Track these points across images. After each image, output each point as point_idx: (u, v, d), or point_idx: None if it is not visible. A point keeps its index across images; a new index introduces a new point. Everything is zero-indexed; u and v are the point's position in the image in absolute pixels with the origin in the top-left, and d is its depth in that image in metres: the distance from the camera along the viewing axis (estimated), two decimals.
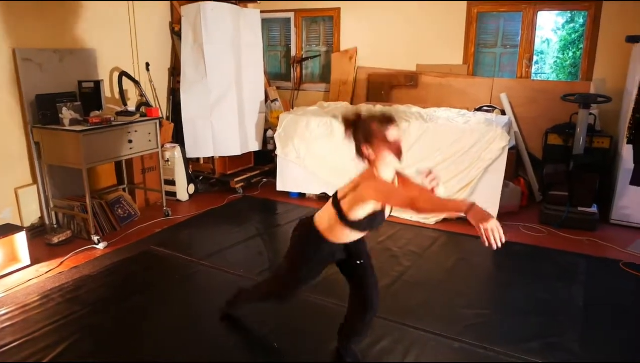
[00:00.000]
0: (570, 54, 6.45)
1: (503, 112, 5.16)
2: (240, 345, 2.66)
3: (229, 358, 2.53)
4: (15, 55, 3.85)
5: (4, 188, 3.93)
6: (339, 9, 6.12)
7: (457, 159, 4.31)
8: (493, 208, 4.25)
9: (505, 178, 4.29)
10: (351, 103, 5.80)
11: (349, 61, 6.07)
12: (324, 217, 2.17)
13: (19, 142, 3.99)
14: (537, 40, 5.54)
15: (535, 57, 5.63)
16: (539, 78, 5.87)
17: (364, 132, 2.01)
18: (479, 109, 5.27)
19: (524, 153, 5.11)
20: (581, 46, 5.21)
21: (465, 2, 5.43)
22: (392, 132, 2.00)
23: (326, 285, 3.25)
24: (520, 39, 5.33)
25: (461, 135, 4.29)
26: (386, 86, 5.83)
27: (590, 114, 4.54)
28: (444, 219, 4.41)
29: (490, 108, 5.26)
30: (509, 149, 4.28)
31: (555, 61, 6.67)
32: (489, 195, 4.26)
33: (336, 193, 2.14)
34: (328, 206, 2.16)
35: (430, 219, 4.41)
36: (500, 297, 3.19)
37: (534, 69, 5.67)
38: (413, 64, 5.78)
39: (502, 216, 4.37)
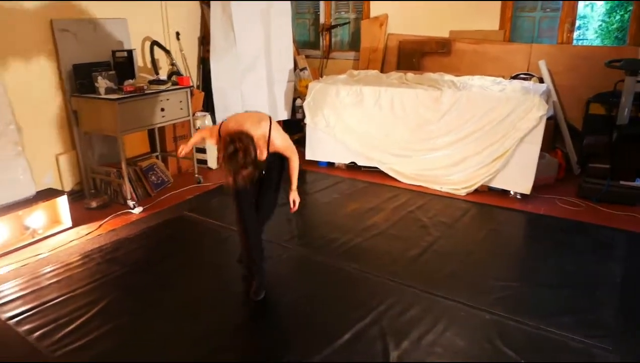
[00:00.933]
0: (618, 17, 6.11)
1: (541, 80, 4.98)
2: (270, 309, 2.71)
3: (257, 320, 2.60)
4: (53, 26, 3.92)
5: (46, 155, 4.09)
6: None
7: (491, 129, 4.21)
8: (528, 180, 4.14)
9: (542, 149, 4.14)
10: (381, 71, 5.70)
11: (379, 28, 5.94)
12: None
13: (58, 111, 4.12)
14: (581, 4, 5.28)
15: (578, 22, 5.36)
16: (581, 44, 5.62)
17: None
18: (516, 77, 5.10)
19: (562, 123, 4.93)
20: (630, 8, 4.93)
21: None
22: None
23: (351, 253, 3.29)
24: (562, 2, 5.09)
25: (496, 104, 4.17)
26: (418, 54, 5.69)
27: (638, 81, 4.32)
28: (476, 191, 4.35)
29: (528, 76, 5.08)
30: (547, 119, 4.13)
31: (600, 26, 6.34)
32: (524, 166, 4.15)
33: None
34: None
35: (461, 191, 4.35)
36: (533, 270, 3.12)
37: (576, 34, 5.41)
38: (446, 30, 5.61)
39: (537, 189, 4.25)
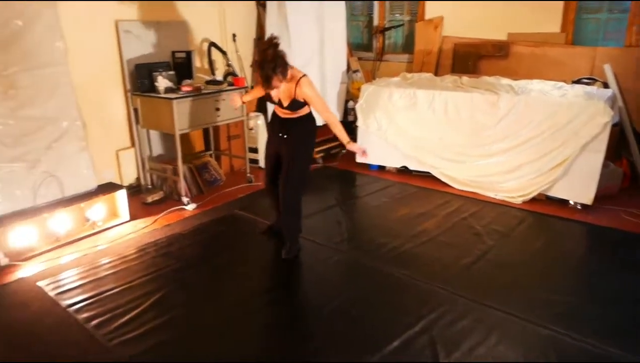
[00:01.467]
0: None
1: (606, 85, 4.74)
2: (318, 311, 2.71)
3: (306, 321, 2.62)
4: (118, 27, 4.10)
5: (108, 150, 4.27)
6: None
7: (550, 135, 4.04)
8: (590, 190, 3.94)
9: (606, 157, 3.94)
10: (435, 74, 5.60)
11: (434, 30, 5.83)
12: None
13: (120, 108, 4.29)
14: None
15: None
16: None
17: None
18: (578, 81, 4.88)
19: (629, 130, 4.67)
20: None
21: None
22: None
23: (401, 258, 3.25)
24: (630, 2, 4.82)
25: (557, 109, 4.00)
26: (473, 57, 5.56)
27: None
28: (533, 199, 4.19)
29: (591, 80, 4.84)
30: (612, 125, 3.93)
31: None
32: (586, 175, 3.94)
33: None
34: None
35: (517, 199, 4.21)
36: (593, 285, 2.97)
37: None
38: (504, 33, 5.44)
39: (600, 199, 4.03)
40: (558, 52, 5.12)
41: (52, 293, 2.85)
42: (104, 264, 3.20)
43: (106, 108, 4.18)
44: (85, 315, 2.64)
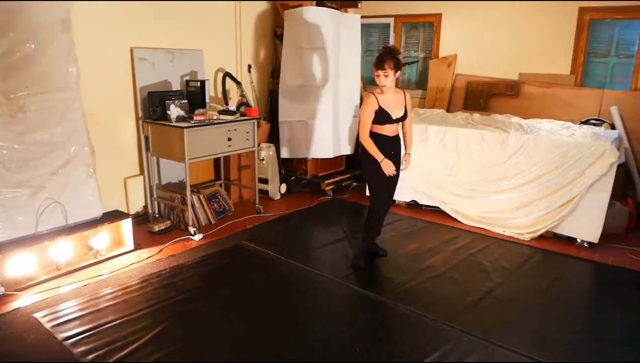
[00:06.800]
0: None
1: (613, 127, 4.77)
2: (322, 346, 2.66)
3: (310, 355, 2.55)
4: (133, 54, 4.18)
5: (116, 178, 4.27)
6: (440, 14, 6.00)
7: (559, 174, 4.05)
8: (596, 228, 3.95)
9: (612, 197, 3.95)
10: (447, 111, 5.66)
11: (447, 67, 5.93)
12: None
13: (131, 135, 4.32)
14: None
15: None
16: None
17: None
18: (586, 122, 4.91)
19: (634, 171, 4.67)
20: None
21: (577, 8, 5.09)
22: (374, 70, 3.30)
23: (407, 294, 3.21)
24: (637, 48, 4.90)
25: (565, 149, 4.02)
26: (485, 95, 5.62)
27: None
28: (540, 236, 4.16)
29: (599, 122, 4.88)
30: (618, 166, 3.95)
31: None
32: (592, 214, 3.96)
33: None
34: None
35: (525, 235, 4.18)
36: (598, 324, 2.93)
37: None
38: (516, 73, 5.52)
39: (606, 238, 4.04)
40: (567, 93, 5.17)
41: (48, 325, 2.74)
42: (105, 294, 3.14)
43: (116, 135, 4.21)
44: (81, 348, 2.54)
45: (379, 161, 3.32)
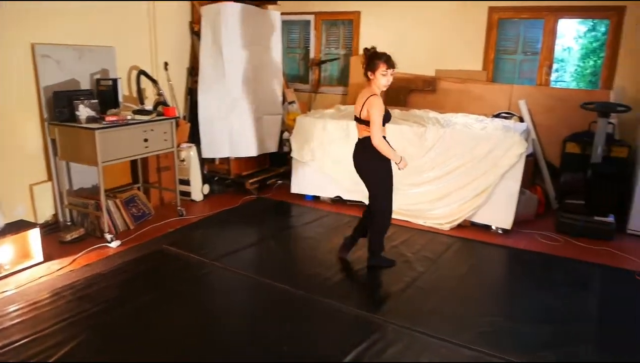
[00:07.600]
0: (591, 62, 6.35)
1: (521, 120, 5.08)
2: (249, 348, 2.60)
3: (240, 356, 2.50)
4: (34, 51, 3.87)
5: (19, 185, 3.95)
6: (359, 12, 6.10)
7: (473, 165, 4.25)
8: (509, 215, 4.19)
9: (522, 185, 4.21)
10: None
11: None
12: (365, 135, 3.32)
13: (35, 139, 4.01)
14: (558, 48, 5.46)
15: (555, 65, 5.55)
16: (558, 86, 5.77)
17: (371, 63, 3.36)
18: (497, 115, 5.19)
19: (541, 160, 5.01)
20: (602, 54, 5.11)
21: (487, 8, 5.37)
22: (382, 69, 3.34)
23: (333, 289, 3.23)
24: (541, 46, 5.26)
25: (478, 141, 4.22)
26: (404, 91, 5.78)
27: (610, 123, 4.45)
28: (459, 226, 4.35)
29: (509, 115, 5.18)
30: (527, 156, 4.21)
31: (576, 69, 6.57)
32: (505, 202, 4.19)
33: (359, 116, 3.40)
34: (361, 128, 3.40)
35: (445, 225, 4.34)
36: (514, 305, 3.13)
37: (554, 77, 5.58)
38: (432, 69, 5.74)
39: (518, 224, 4.30)
40: (480, 88, 5.43)
41: None
42: (10, 312, 2.87)
43: (19, 139, 3.89)
44: None
45: (397, 161, 3.29)
